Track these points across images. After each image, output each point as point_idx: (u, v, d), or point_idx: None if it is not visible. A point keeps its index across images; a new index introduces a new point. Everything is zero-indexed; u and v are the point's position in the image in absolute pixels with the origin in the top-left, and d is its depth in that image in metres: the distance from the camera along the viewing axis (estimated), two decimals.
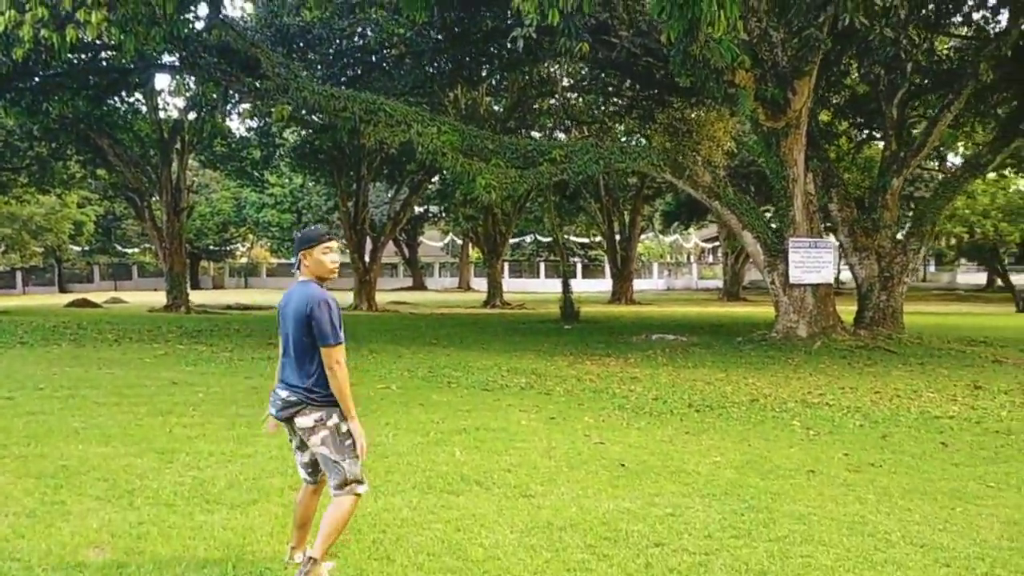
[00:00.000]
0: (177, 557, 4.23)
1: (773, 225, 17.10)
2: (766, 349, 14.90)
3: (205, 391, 9.61)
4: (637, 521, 4.90)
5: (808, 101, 15.80)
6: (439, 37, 20.45)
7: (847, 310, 18.16)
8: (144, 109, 27.56)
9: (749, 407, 9.08)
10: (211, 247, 62.38)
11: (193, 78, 20.01)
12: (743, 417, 8.50)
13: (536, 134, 32.49)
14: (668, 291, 58.88)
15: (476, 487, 5.58)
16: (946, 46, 21.00)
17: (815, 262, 15.90)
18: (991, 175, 31.74)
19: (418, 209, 47.28)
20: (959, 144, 29.48)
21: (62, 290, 52.58)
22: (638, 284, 47.82)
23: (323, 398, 3.82)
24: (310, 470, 4.03)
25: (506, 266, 47.64)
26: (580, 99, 31.31)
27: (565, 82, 28.61)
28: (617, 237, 39.17)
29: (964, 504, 5.41)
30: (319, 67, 20.96)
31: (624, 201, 39.76)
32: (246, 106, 25.34)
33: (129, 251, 61.81)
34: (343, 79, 20.94)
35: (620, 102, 28.47)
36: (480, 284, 52.70)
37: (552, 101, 30.23)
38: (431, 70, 22.22)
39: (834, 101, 22.59)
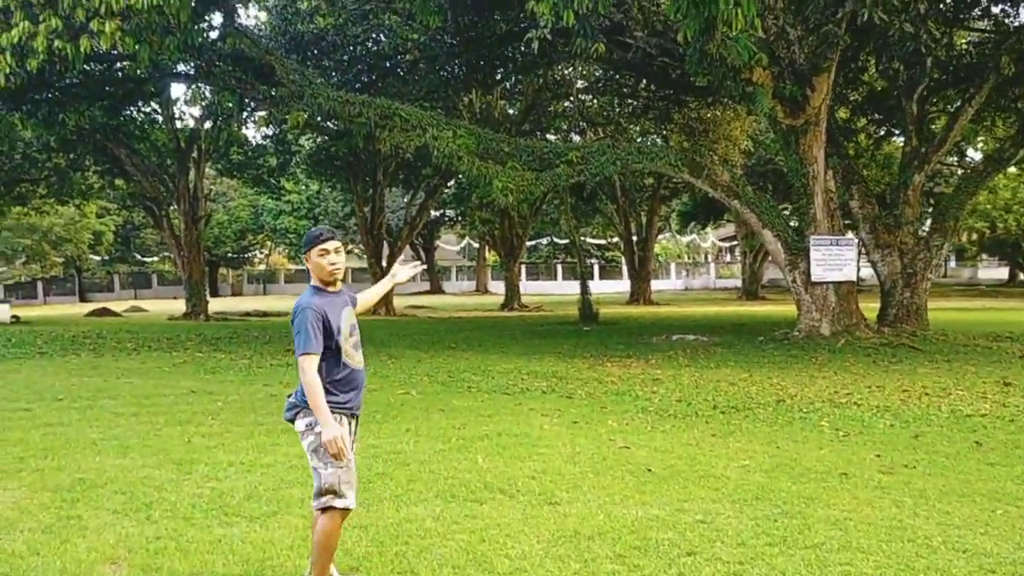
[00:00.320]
0: (195, 573, 4.13)
1: (793, 223, 16.89)
2: (789, 348, 14.69)
3: (224, 399, 9.55)
4: (667, 529, 4.74)
5: (827, 98, 15.62)
6: (453, 41, 20.41)
7: (869, 307, 17.91)
8: (160, 119, 27.76)
9: (775, 408, 8.90)
10: (229, 254, 62.63)
11: (208, 87, 20.02)
12: (770, 418, 8.32)
13: (551, 137, 32.39)
14: (686, 291, 58.51)
15: (500, 495, 5.44)
16: (965, 40, 20.73)
17: (837, 260, 15.72)
18: (1012, 169, 31.34)
19: (434, 213, 47.33)
20: (979, 139, 29.14)
21: (83, 300, 53.04)
22: (656, 284, 47.53)
23: None
24: None
25: (523, 269, 47.42)
26: (595, 101, 31.18)
27: (580, 84, 28.51)
28: (634, 238, 38.97)
29: (1004, 506, 5.22)
30: (333, 73, 20.95)
31: (641, 202, 39.57)
32: (262, 114, 25.37)
33: (148, 260, 62.24)
34: (358, 85, 20.93)
35: (635, 103, 28.33)
36: (497, 287, 52.57)
37: (567, 103, 30.14)
38: (445, 74, 22.22)
39: (853, 98, 22.33)
